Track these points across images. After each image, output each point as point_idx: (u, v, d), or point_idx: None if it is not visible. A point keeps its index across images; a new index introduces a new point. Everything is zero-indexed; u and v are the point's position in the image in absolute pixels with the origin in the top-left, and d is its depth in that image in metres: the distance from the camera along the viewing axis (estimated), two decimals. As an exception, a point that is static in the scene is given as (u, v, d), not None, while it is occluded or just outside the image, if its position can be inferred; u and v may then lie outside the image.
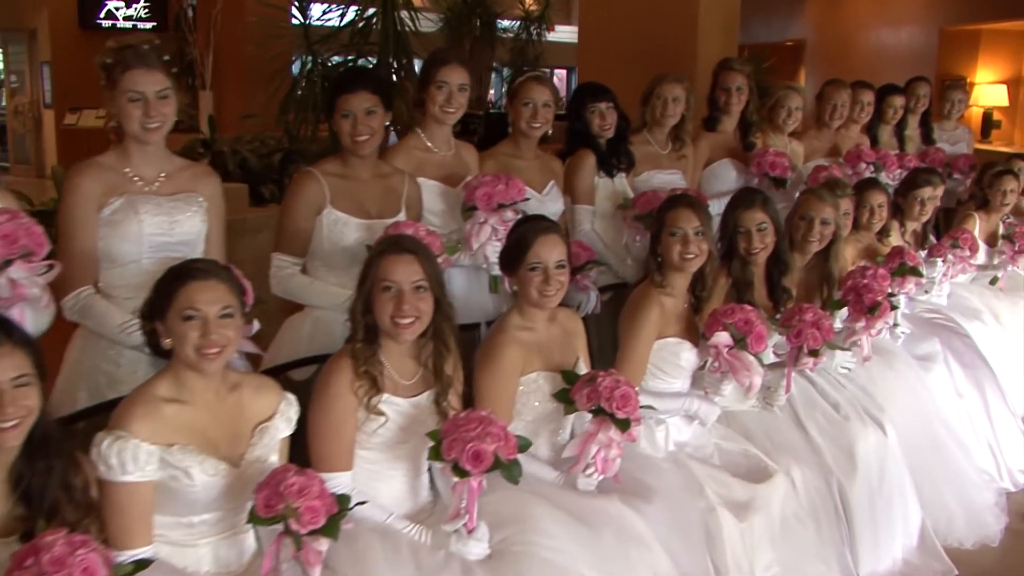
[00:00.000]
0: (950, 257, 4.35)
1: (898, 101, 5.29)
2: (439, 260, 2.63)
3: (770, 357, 3.06)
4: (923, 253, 4.54)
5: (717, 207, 3.95)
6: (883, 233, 4.17)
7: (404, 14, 6.53)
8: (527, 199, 3.07)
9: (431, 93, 3.06)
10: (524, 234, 2.52)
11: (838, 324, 3.29)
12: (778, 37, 13.47)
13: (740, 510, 2.67)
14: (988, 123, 9.55)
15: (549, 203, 3.39)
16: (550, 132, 3.42)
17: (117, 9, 13.46)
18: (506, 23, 16.95)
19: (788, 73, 12.61)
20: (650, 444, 2.77)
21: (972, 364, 4.10)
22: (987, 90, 9.54)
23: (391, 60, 6.32)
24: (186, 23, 10.76)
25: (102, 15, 13.12)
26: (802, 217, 3.40)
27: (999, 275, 4.74)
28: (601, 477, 2.41)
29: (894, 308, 3.23)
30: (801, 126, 4.76)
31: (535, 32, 17.52)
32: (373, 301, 2.23)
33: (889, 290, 3.56)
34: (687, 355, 2.86)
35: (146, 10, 13.49)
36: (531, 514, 2.26)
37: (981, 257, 4.83)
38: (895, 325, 3.88)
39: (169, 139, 2.51)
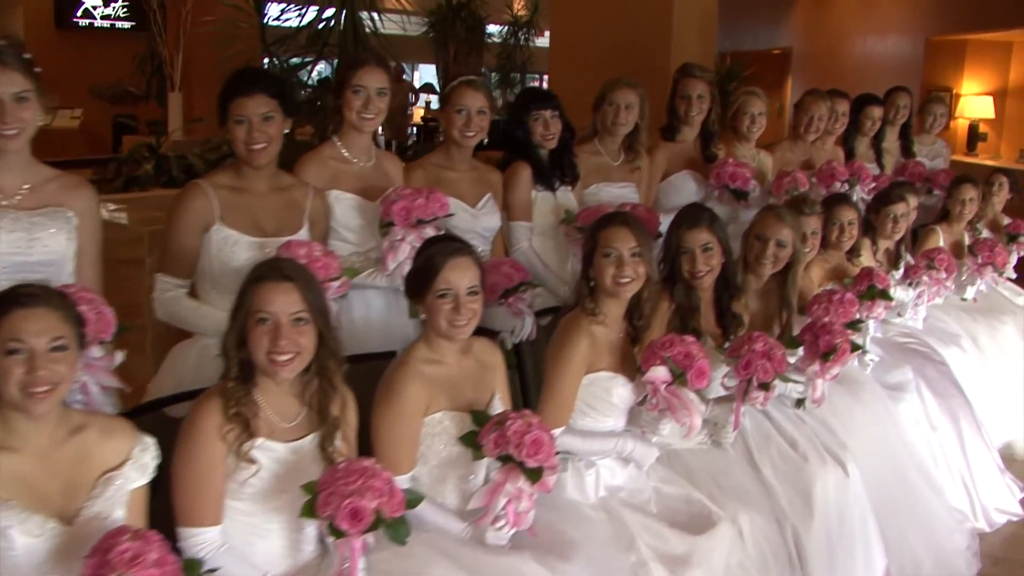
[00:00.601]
0: (925, 279, 4.09)
1: (876, 112, 5.04)
2: (337, 283, 2.36)
3: (717, 389, 2.79)
4: (897, 273, 4.30)
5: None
6: (853, 252, 3.90)
7: (366, 15, 6.24)
8: (451, 214, 2.80)
9: (347, 98, 2.80)
10: (432, 257, 2.24)
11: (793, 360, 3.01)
12: (764, 45, 13.25)
13: (676, 565, 2.38)
14: (974, 136, 9.31)
15: (484, 218, 3.12)
16: (485, 140, 3.15)
17: (95, 8, 13.20)
18: (494, 28, 16.77)
19: (774, 81, 12.38)
20: (578, 489, 2.49)
21: (947, 393, 3.83)
22: (973, 102, 9.31)
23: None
24: (155, 23, 10.47)
25: (79, 14, 12.85)
26: (757, 237, 3.12)
27: (970, 291, 4.47)
28: (513, 531, 2.14)
29: (856, 349, 2.94)
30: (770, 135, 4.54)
31: (523, 37, 17.36)
32: (248, 334, 1.96)
33: (856, 316, 3.31)
34: (620, 391, 2.57)
35: (124, 9, 13.22)
36: (427, 575, 1.98)
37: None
38: (864, 352, 3.62)
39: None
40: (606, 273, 2.51)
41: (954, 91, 9.37)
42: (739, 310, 2.95)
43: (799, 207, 3.41)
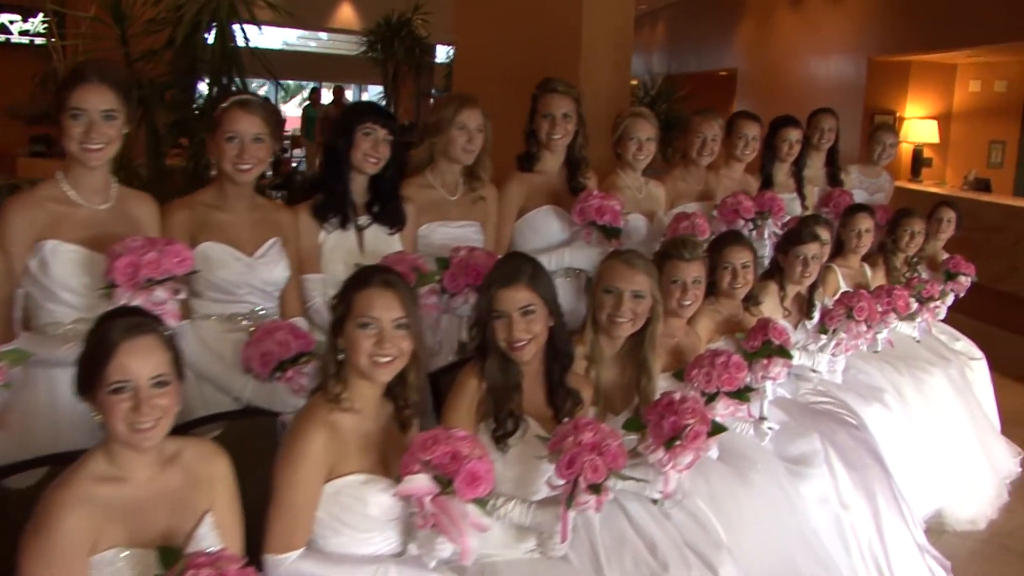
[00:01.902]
0: (842, 334, 3.56)
1: (792, 135, 4.51)
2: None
3: (541, 489, 2.20)
4: (811, 323, 3.77)
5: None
6: (751, 300, 3.35)
7: (238, 28, 5.64)
8: (194, 271, 2.20)
9: (65, 125, 2.22)
10: (105, 336, 1.65)
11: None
12: (710, 66, 12.88)
13: None
14: (918, 161, 8.88)
15: (264, 268, 2.53)
16: (267, 173, 2.56)
17: (12, 23, 12.57)
18: (445, 48, 16.35)
19: (720, 104, 11.97)
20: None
21: (861, 465, 3.28)
22: (917, 126, 8.89)
23: (224, 81, 5.42)
24: (54, 36, 9.81)
25: (-7, 29, 12.27)
26: (607, 290, 2.54)
27: (880, 340, 3.95)
28: None
29: (718, 431, 2.35)
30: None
31: None
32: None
33: (745, 381, 2.75)
34: (381, 499, 1.95)
35: (44, 25, 12.54)
36: None
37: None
38: (761, 419, 3.06)
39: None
40: (361, 349, 1.93)
41: (897, 114, 8.96)
42: (579, 384, 2.36)
43: (677, 251, 2.85)
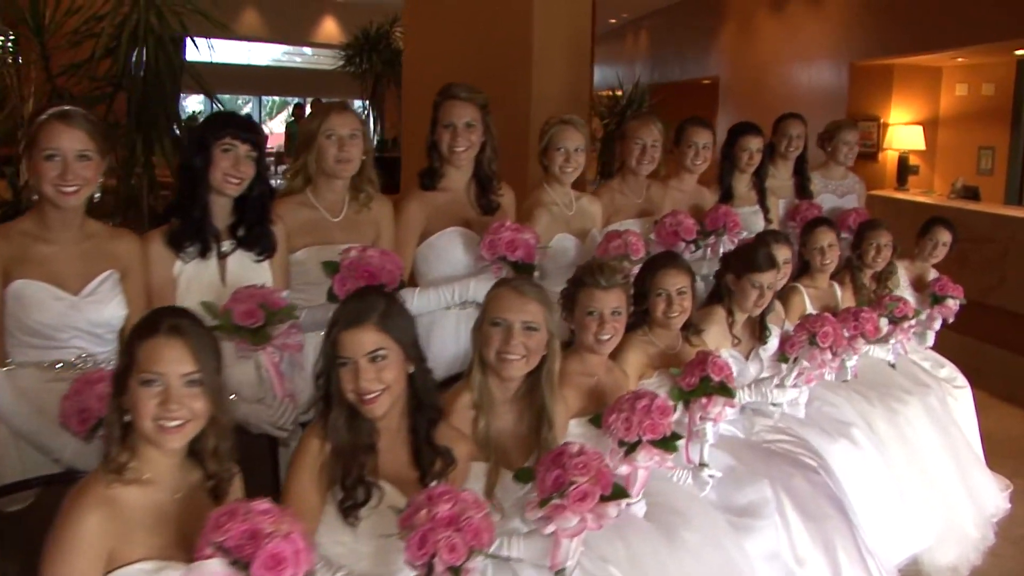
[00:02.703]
0: (804, 363, 3.18)
1: (753, 143, 4.13)
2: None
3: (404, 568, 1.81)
4: (765, 351, 3.38)
5: (435, 299, 2.74)
6: (691, 329, 2.97)
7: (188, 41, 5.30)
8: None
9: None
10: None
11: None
12: (694, 75, 12.55)
13: None
14: (904, 168, 8.49)
15: (90, 309, 2.15)
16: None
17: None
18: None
19: (706, 112, 11.56)
20: None
21: (819, 514, 2.89)
22: (902, 132, 8.50)
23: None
24: None
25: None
26: (494, 322, 2.14)
27: (849, 369, 3.58)
28: None
29: (619, 496, 1.94)
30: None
31: None
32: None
33: (671, 429, 2.36)
34: None
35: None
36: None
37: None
38: (701, 465, 2.68)
39: None
40: (144, 410, 1.55)
41: (882, 120, 8.59)
42: (453, 440, 1.97)
43: (592, 278, 2.46)
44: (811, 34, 9.27)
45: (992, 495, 3.96)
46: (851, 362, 3.68)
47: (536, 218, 3.09)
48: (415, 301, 2.69)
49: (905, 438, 3.61)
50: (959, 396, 4.24)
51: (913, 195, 7.93)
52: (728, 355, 3.06)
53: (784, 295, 3.81)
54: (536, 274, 2.75)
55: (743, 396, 3.01)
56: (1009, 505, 4.04)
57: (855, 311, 3.68)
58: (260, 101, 20.17)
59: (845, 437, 3.36)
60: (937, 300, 4.19)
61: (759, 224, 4.20)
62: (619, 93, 10.67)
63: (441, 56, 5.54)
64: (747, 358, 3.18)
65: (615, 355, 2.66)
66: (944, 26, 7.37)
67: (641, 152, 3.52)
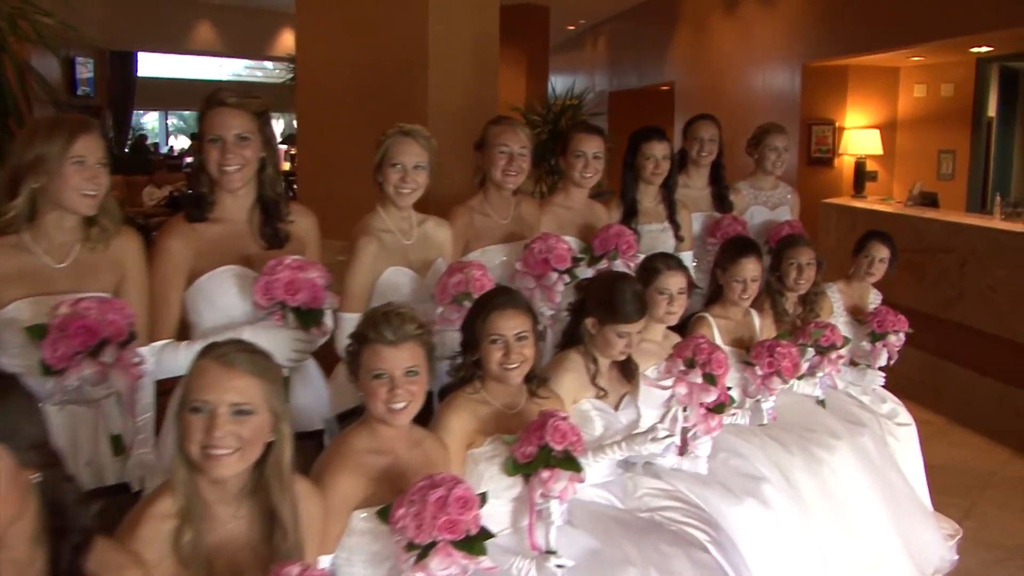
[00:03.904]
0: (687, 413, 2.67)
1: (658, 150, 3.62)
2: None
3: None
4: (652, 397, 2.87)
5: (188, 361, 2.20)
6: (535, 381, 2.42)
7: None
8: None
9: None
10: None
11: None
12: (651, 81, 12.08)
13: None
14: (861, 175, 8.00)
15: None
16: None
17: None
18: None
19: (663, 119, 11.13)
20: None
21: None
22: (858, 136, 8.02)
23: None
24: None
25: None
26: (193, 408, 1.60)
27: (765, 411, 3.08)
28: None
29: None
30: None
31: None
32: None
33: (540, 501, 1.85)
34: None
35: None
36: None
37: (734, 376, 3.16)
38: (548, 553, 2.16)
39: None
40: None
41: (837, 124, 8.11)
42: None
43: (377, 333, 1.93)
44: (764, 35, 8.80)
45: (936, 548, 3.46)
46: (767, 404, 3.19)
47: (361, 248, 2.56)
48: (162, 358, 2.17)
49: (829, 491, 3.10)
50: (902, 435, 3.74)
51: (870, 203, 7.45)
52: (592, 408, 2.54)
53: (691, 324, 3.30)
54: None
55: (614, 454, 2.48)
56: (956, 557, 3.55)
57: (770, 345, 3.18)
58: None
59: (753, 496, 2.85)
60: (877, 338, 3.68)
61: (668, 243, 3.70)
62: (574, 102, 10.21)
63: (335, 65, 5.06)
64: (617, 408, 2.64)
65: (434, 421, 2.14)
66: (898, 23, 6.90)
67: (508, 161, 3.00)
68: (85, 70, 16.06)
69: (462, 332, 2.26)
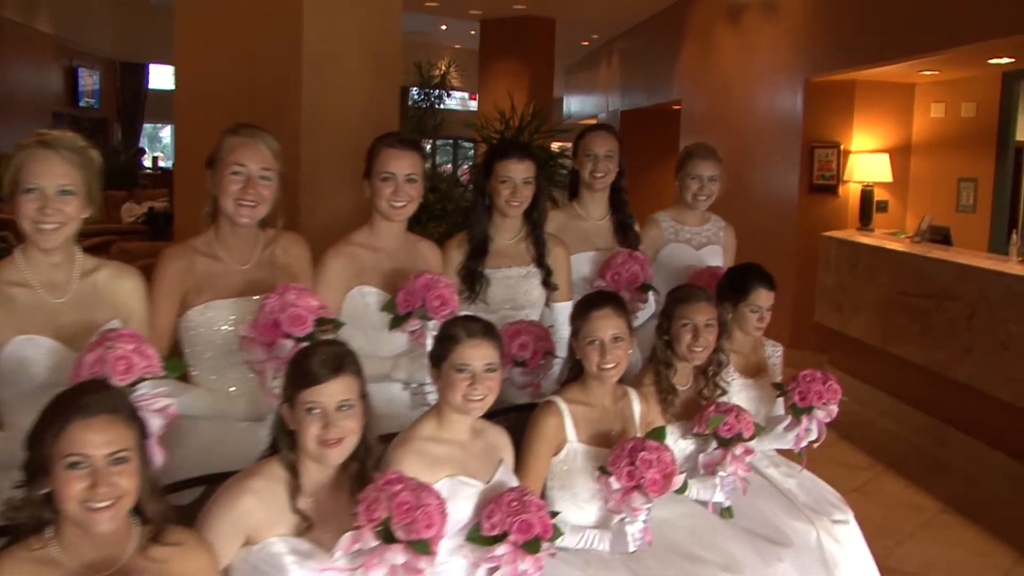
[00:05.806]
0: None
1: (517, 171, 2.76)
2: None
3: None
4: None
5: None
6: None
7: None
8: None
9: None
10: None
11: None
12: (661, 99, 11.22)
13: None
14: (868, 204, 6.99)
15: None
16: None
17: None
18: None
19: (670, 138, 10.25)
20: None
21: None
22: (865, 161, 7.02)
23: None
24: None
25: None
26: None
27: (629, 532, 2.20)
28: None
29: None
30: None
31: (435, 101, 15.72)
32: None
33: None
34: None
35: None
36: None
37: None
38: None
39: None
40: None
41: (842, 146, 7.14)
42: None
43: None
44: (766, 49, 7.87)
45: None
46: (633, 527, 2.27)
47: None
48: None
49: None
50: (841, 535, 2.81)
51: (876, 238, 6.47)
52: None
53: (534, 415, 2.40)
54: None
55: None
56: None
57: (632, 445, 2.26)
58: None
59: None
60: (800, 413, 2.75)
61: (532, 293, 2.83)
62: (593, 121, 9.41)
63: (212, 75, 4.44)
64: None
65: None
66: (908, 30, 5.94)
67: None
68: (90, 81, 15.74)
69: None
